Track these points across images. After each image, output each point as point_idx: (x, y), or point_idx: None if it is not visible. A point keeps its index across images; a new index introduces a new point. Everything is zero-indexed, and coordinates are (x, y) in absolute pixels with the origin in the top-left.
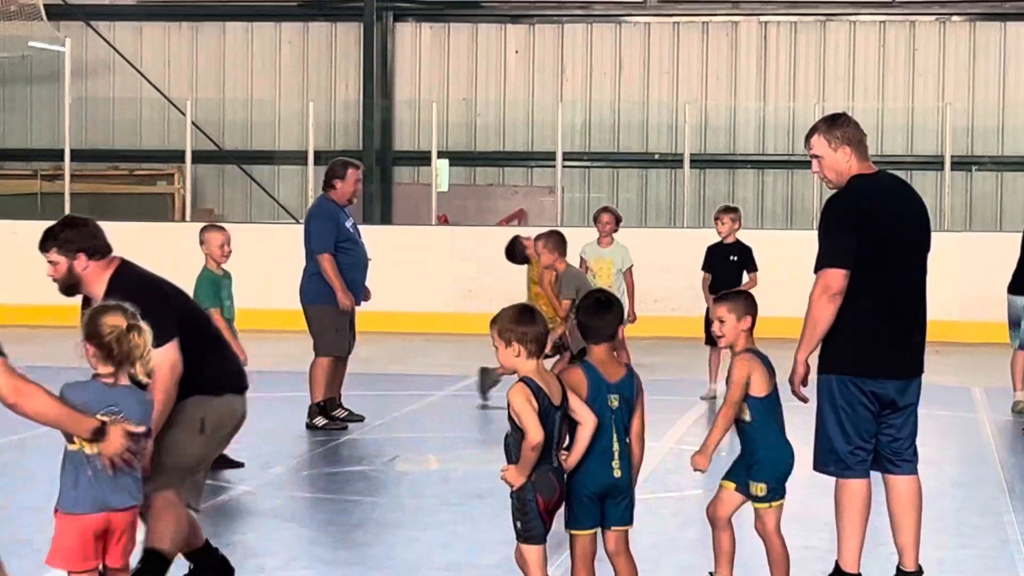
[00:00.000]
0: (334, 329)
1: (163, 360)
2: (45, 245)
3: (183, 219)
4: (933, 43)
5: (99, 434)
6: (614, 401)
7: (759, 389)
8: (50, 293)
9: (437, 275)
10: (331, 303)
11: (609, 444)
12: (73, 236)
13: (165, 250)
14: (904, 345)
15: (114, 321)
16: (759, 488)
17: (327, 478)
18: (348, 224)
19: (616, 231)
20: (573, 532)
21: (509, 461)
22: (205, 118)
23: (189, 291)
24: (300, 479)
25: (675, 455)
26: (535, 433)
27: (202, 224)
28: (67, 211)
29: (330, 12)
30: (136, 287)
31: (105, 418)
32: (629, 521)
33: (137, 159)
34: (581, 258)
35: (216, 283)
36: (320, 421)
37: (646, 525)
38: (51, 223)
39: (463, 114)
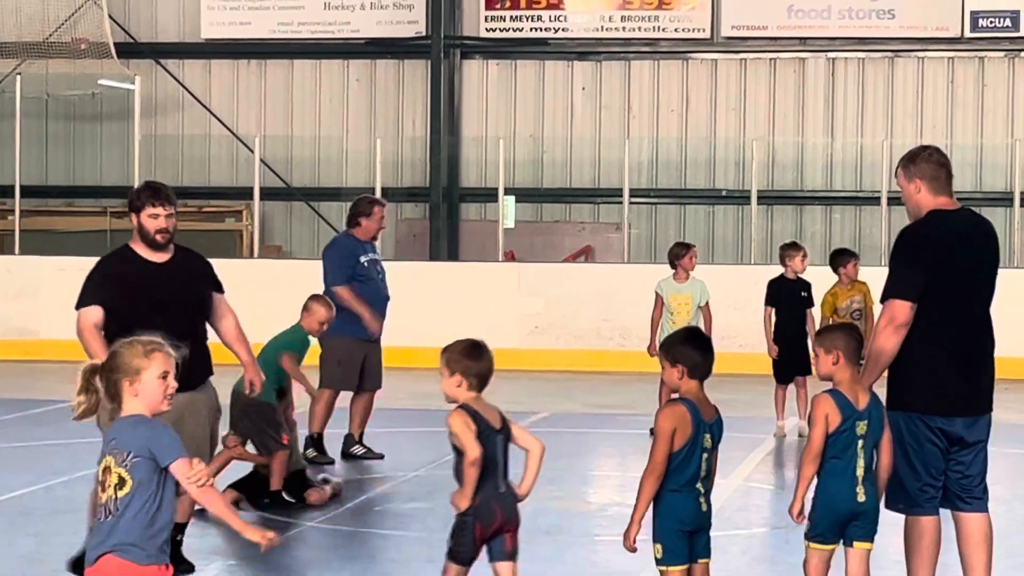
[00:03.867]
0: (336, 362)
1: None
2: (167, 200)
3: (251, 255)
4: (1002, 79)
5: None
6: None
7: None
8: None
9: (503, 311)
10: (338, 336)
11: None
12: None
13: (234, 286)
14: (973, 382)
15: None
16: (807, 524)
17: (392, 515)
18: (366, 259)
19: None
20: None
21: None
22: (273, 155)
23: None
24: (366, 516)
25: (743, 492)
26: (473, 448)
27: (311, 294)
28: None
29: (398, 49)
30: (193, 250)
31: None
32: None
33: (206, 196)
34: (657, 294)
35: (306, 344)
36: (311, 453)
37: (714, 562)
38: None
39: (530, 151)
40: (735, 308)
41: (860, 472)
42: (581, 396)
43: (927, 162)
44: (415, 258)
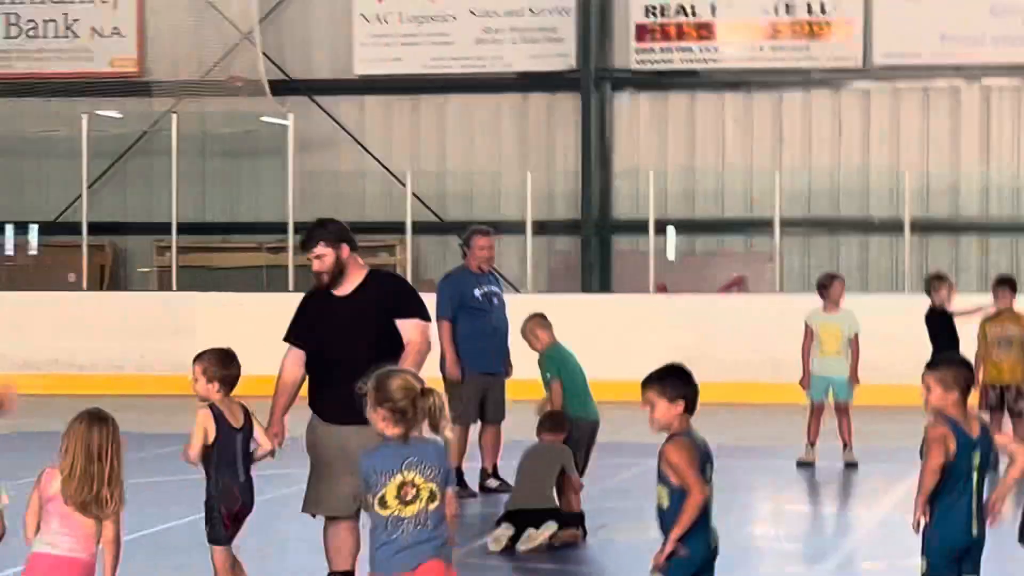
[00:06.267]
0: (456, 397)
1: (422, 332)
2: (311, 242)
3: None
4: None
5: None
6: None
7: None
8: (278, 362)
9: (654, 343)
10: (465, 372)
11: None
12: (335, 229)
13: None
14: None
15: (406, 385)
16: (922, 564)
17: (544, 551)
18: (479, 292)
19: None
20: None
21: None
22: (426, 189)
23: None
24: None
25: (889, 524)
26: (197, 441)
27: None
28: (291, 285)
29: (549, 83)
30: (395, 277)
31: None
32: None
33: (360, 230)
34: (806, 324)
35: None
36: (455, 488)
37: None
38: (275, 295)
39: (681, 182)
40: (890, 339)
41: (975, 505)
42: (732, 428)
43: None
44: (568, 290)
